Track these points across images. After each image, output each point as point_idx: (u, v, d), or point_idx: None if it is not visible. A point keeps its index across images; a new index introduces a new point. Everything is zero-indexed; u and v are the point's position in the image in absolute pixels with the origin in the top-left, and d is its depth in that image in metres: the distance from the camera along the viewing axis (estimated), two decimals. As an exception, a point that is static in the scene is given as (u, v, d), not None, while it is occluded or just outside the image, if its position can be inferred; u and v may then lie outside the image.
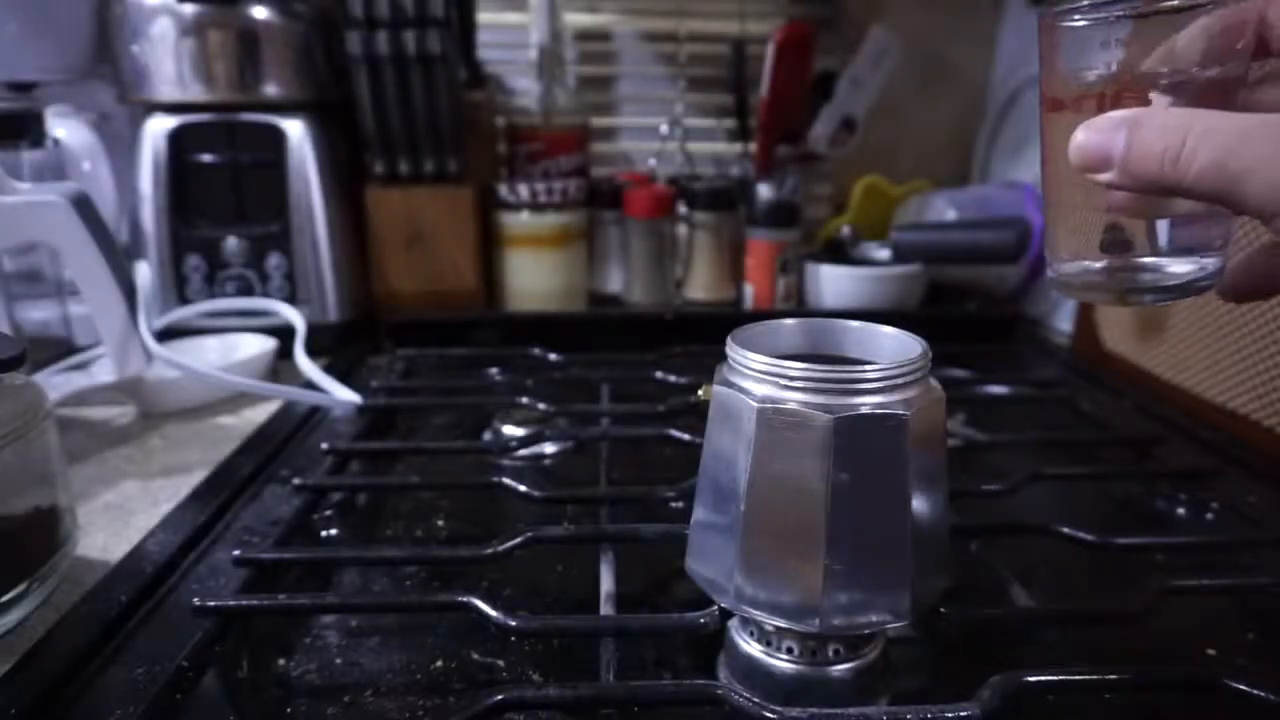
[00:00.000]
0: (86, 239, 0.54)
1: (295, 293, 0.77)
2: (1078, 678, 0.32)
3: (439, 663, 0.37)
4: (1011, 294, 0.90)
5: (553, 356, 0.73)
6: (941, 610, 0.35)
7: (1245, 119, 0.23)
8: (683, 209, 0.91)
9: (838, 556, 0.30)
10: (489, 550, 0.41)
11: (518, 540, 0.41)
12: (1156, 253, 0.30)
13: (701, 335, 0.76)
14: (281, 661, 0.37)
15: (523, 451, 0.57)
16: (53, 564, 0.41)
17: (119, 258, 0.57)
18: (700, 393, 0.61)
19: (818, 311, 0.85)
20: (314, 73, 0.76)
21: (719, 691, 0.31)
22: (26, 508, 0.40)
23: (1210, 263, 0.29)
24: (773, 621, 0.32)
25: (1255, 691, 0.31)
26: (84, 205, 0.55)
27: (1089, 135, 0.26)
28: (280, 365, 0.72)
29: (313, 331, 0.70)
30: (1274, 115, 0.23)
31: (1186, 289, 0.30)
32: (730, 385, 0.31)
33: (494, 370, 0.74)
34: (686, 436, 0.52)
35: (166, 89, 0.73)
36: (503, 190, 0.84)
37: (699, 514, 0.34)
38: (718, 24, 1.00)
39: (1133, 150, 0.24)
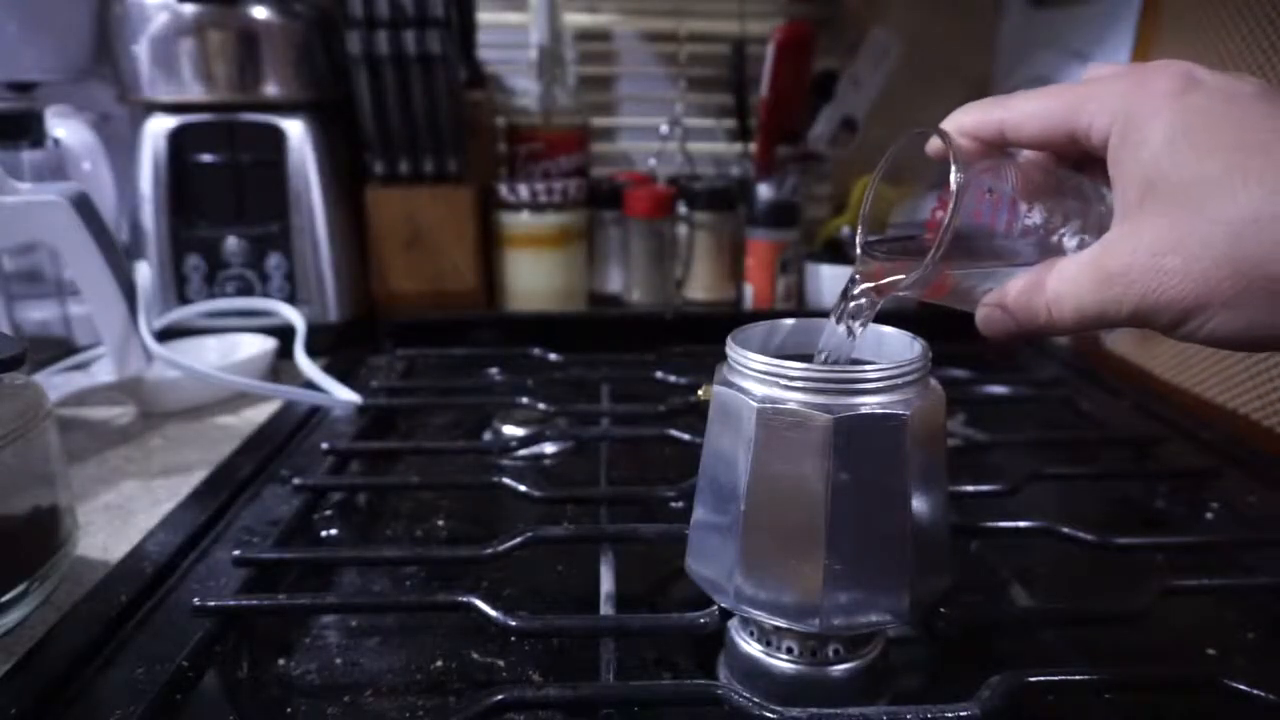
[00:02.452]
0: (86, 239, 0.54)
1: (295, 293, 0.77)
2: (1078, 678, 0.32)
3: (439, 663, 0.37)
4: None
5: (553, 356, 0.73)
6: (941, 610, 0.35)
7: (1069, 269, 0.27)
8: (683, 209, 0.91)
9: (838, 556, 0.30)
10: (489, 550, 0.40)
11: (518, 540, 0.41)
12: None
13: (701, 335, 0.76)
14: (281, 661, 0.37)
15: (523, 451, 0.57)
16: (53, 564, 0.41)
17: (119, 258, 0.57)
18: (700, 393, 0.61)
19: (818, 311, 0.85)
20: (314, 73, 0.76)
21: (719, 691, 0.31)
22: (26, 508, 0.40)
23: None
24: (773, 621, 0.32)
25: (1255, 691, 0.31)
26: (84, 205, 0.55)
27: (986, 320, 0.30)
28: (280, 365, 0.72)
29: (313, 331, 0.70)
30: (1084, 255, 0.27)
31: None
32: (730, 385, 0.31)
33: (494, 370, 0.74)
34: (686, 436, 0.52)
35: (166, 89, 0.73)
36: (503, 190, 0.84)
37: (699, 514, 0.34)
38: (718, 24, 1.00)
39: (1021, 327, 0.29)
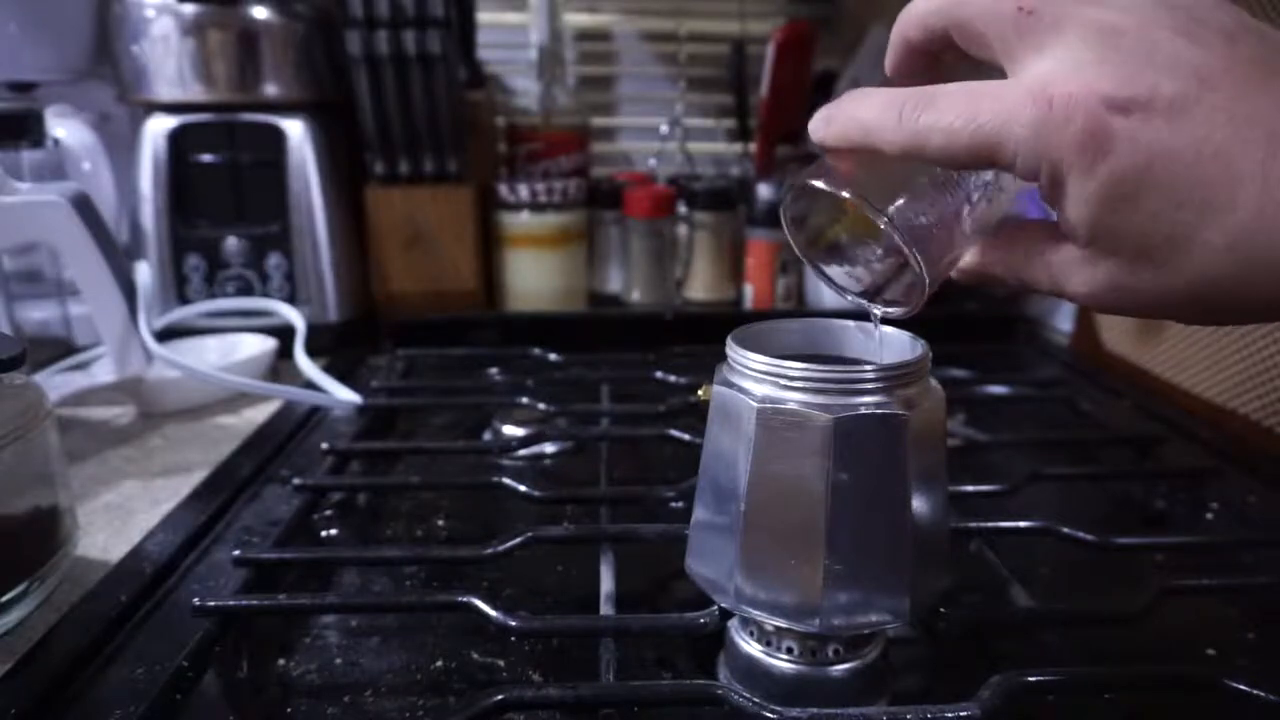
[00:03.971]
0: (86, 239, 0.54)
1: (295, 293, 0.77)
2: (1078, 678, 0.32)
3: (439, 663, 0.37)
4: (1012, 293, 0.90)
5: (553, 356, 0.73)
6: (941, 610, 0.35)
7: (1063, 265, 0.28)
8: (683, 209, 0.91)
9: (838, 556, 0.30)
10: (489, 550, 0.41)
11: (518, 540, 0.41)
12: None
13: (701, 335, 0.76)
14: (281, 661, 0.37)
15: (523, 451, 0.57)
16: (53, 564, 0.41)
17: (119, 258, 0.57)
18: (700, 393, 0.61)
19: (818, 311, 0.85)
20: (314, 73, 0.76)
21: (719, 691, 0.31)
22: (26, 508, 0.40)
23: None
24: (773, 621, 0.32)
25: (1255, 691, 0.31)
26: (84, 205, 0.55)
27: (979, 277, 0.31)
28: (280, 365, 0.72)
29: (313, 331, 0.70)
30: (1068, 260, 0.27)
31: None
32: (730, 385, 0.31)
33: (494, 370, 0.74)
34: (686, 436, 0.52)
35: (166, 89, 0.73)
36: (503, 190, 0.84)
37: (699, 514, 0.34)
38: (718, 24, 1.00)
39: (1026, 287, 0.30)
